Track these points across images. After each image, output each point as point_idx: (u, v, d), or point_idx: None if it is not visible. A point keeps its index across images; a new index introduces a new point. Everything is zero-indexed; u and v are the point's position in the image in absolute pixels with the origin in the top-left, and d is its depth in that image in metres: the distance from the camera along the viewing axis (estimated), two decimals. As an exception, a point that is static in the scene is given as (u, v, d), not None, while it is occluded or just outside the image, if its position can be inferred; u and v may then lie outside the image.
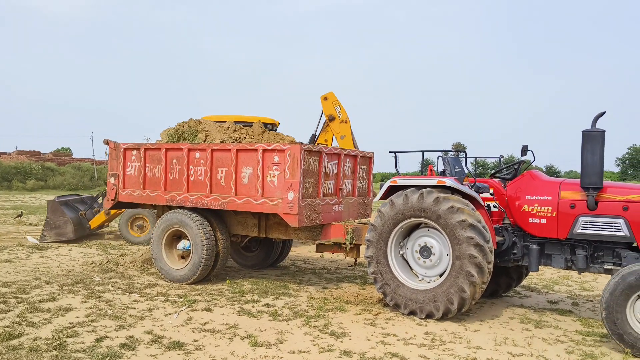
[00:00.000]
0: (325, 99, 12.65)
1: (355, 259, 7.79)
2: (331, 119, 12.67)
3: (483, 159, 8.82)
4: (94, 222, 12.46)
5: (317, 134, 12.88)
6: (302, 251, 11.54)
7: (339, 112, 12.61)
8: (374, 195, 7.96)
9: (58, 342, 5.08)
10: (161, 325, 5.79)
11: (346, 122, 12.62)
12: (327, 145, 12.75)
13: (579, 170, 6.12)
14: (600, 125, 5.92)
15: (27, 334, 5.33)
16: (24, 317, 5.89)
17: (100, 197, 12.55)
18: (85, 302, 6.68)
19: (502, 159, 7.73)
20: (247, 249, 9.48)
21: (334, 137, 12.76)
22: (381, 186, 6.96)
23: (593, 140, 5.85)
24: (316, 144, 12.82)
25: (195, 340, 5.32)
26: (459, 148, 43.49)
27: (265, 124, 12.61)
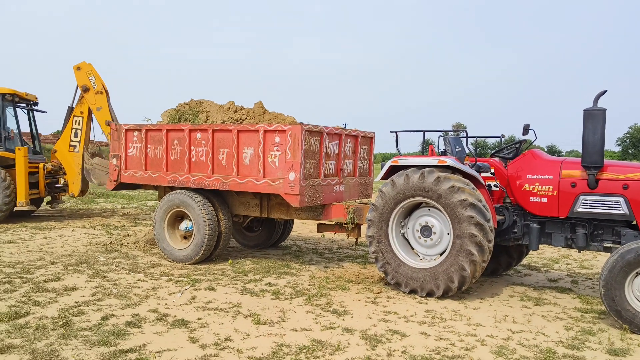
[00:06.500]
0: (79, 68, 11.90)
1: (357, 239, 7.85)
2: (85, 89, 11.91)
3: (484, 139, 8.84)
4: None
5: (73, 106, 12.39)
6: (304, 231, 11.61)
7: (93, 83, 11.86)
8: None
9: (64, 321, 5.15)
10: (165, 304, 5.87)
11: (102, 92, 11.88)
12: (82, 116, 12.27)
13: (580, 150, 6.13)
14: (601, 104, 5.91)
15: (33, 313, 5.40)
16: (29, 297, 5.96)
17: None
18: (90, 281, 6.75)
19: (503, 139, 7.74)
20: (249, 229, 9.54)
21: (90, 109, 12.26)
22: (382, 166, 6.98)
23: (594, 118, 5.85)
24: (72, 116, 12.35)
25: (200, 319, 5.40)
26: (460, 128, 43.37)
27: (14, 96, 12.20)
